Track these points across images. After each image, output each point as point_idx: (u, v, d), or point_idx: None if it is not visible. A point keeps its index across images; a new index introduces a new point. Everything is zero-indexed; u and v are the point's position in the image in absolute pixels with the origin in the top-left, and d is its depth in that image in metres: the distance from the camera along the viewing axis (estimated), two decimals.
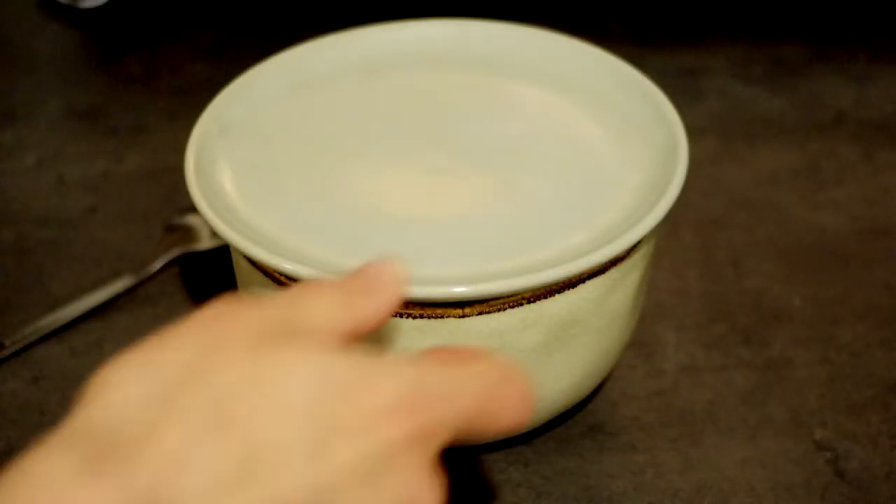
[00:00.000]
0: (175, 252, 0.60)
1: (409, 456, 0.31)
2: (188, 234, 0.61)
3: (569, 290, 0.43)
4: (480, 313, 0.42)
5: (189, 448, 0.29)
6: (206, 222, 0.45)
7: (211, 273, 0.60)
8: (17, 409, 0.53)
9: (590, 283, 0.44)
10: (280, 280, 0.44)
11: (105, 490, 0.28)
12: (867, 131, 0.71)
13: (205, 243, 0.61)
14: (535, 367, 0.45)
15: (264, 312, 0.33)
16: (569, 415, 0.51)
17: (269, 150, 0.49)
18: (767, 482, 0.48)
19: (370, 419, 0.31)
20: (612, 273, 0.44)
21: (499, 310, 0.42)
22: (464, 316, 0.42)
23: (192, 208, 0.59)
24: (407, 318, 0.42)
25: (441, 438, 0.32)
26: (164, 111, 0.74)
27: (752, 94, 0.74)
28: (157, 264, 0.60)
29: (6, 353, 0.55)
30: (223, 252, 0.53)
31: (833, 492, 0.48)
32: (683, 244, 0.62)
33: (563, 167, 0.48)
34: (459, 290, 0.41)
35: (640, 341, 0.55)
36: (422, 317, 0.42)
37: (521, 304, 0.43)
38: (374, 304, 0.35)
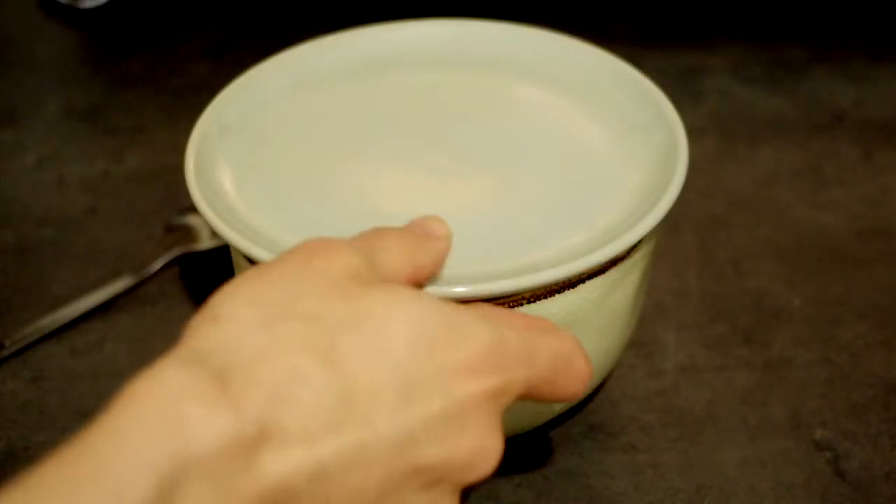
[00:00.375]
0: (175, 252, 0.60)
1: (482, 410, 0.33)
2: (188, 234, 0.61)
3: (569, 290, 0.43)
4: None
5: (294, 382, 0.31)
6: (206, 222, 0.45)
7: (211, 273, 0.60)
8: (17, 409, 0.53)
9: (590, 283, 0.44)
10: None
11: (219, 413, 0.30)
12: (867, 131, 0.71)
13: (205, 243, 0.61)
14: None
15: (355, 252, 0.35)
16: (569, 415, 0.51)
17: (269, 150, 0.49)
18: (767, 482, 0.48)
19: (454, 373, 0.33)
20: (612, 273, 0.44)
21: None
22: None
23: (192, 208, 0.60)
24: None
25: (511, 397, 0.35)
26: (164, 111, 0.74)
27: (752, 94, 0.74)
28: (157, 264, 0.60)
29: (6, 353, 0.55)
30: (223, 252, 0.53)
31: (833, 492, 0.48)
32: (683, 244, 0.62)
33: (563, 167, 0.48)
34: (459, 290, 0.41)
35: (640, 341, 0.55)
36: None
37: (521, 304, 0.43)
38: (429, 252, 0.38)
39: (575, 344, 0.37)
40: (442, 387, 0.33)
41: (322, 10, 0.83)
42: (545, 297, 0.43)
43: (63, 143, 0.71)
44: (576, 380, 0.37)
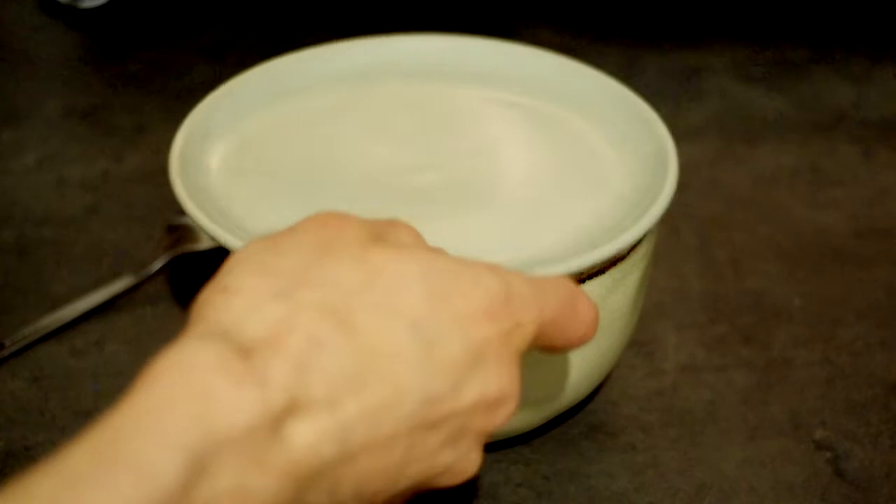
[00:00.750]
0: (175, 252, 0.60)
1: (500, 353, 0.34)
2: (188, 234, 0.61)
3: None
4: None
5: (314, 350, 0.31)
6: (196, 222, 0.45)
7: (211, 273, 0.60)
8: (17, 409, 0.52)
9: (590, 283, 0.44)
10: None
11: (246, 388, 0.30)
12: (867, 131, 0.71)
13: (205, 243, 0.61)
14: (535, 366, 0.45)
15: (365, 224, 0.35)
16: (569, 415, 0.51)
17: (255, 153, 0.49)
18: (767, 482, 0.48)
19: (468, 321, 0.34)
20: (612, 273, 0.44)
21: None
22: None
23: None
24: None
25: (524, 340, 0.35)
26: (164, 111, 0.73)
27: (752, 94, 0.74)
28: (157, 264, 0.59)
29: (6, 353, 0.55)
30: (223, 252, 0.53)
31: (833, 492, 0.48)
32: (683, 244, 0.62)
33: (556, 175, 0.48)
34: None
35: (640, 341, 0.55)
36: None
37: None
38: None
39: (578, 290, 0.38)
40: (459, 336, 0.33)
41: (322, 13, 0.82)
42: None
43: (63, 143, 0.71)
44: (583, 322, 0.37)
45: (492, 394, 0.34)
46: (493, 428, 0.35)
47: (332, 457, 0.31)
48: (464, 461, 0.35)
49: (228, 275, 0.33)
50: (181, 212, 0.62)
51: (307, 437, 0.31)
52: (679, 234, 0.62)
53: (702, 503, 0.48)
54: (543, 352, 0.38)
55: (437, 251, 0.35)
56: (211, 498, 0.29)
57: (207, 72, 0.77)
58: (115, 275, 0.59)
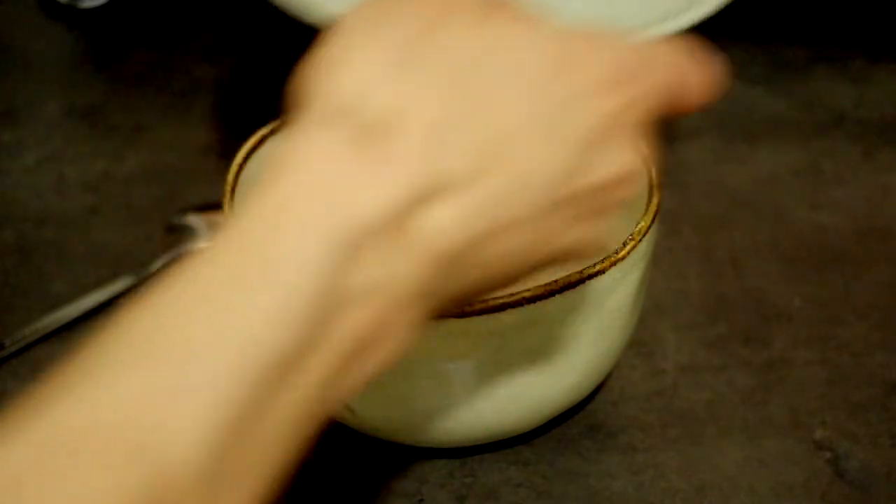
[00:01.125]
0: (175, 252, 0.60)
1: (621, 125, 0.33)
2: (188, 234, 0.61)
3: (569, 290, 0.43)
4: (480, 312, 0.42)
5: (439, 133, 0.30)
6: None
7: None
8: None
9: (590, 283, 0.44)
10: None
11: (378, 179, 0.29)
12: (867, 131, 0.71)
13: (205, 244, 0.61)
14: (535, 367, 0.45)
15: None
16: (569, 415, 0.51)
17: None
18: (767, 482, 0.48)
19: (589, 94, 0.32)
20: (612, 273, 0.44)
21: (499, 309, 0.42)
22: (463, 315, 0.42)
23: (193, 208, 0.59)
24: None
25: (645, 109, 0.34)
26: (164, 111, 0.74)
27: (752, 94, 0.74)
28: (157, 264, 0.59)
29: (6, 353, 0.55)
30: None
31: (833, 492, 0.48)
32: (683, 244, 0.62)
33: None
34: None
35: (640, 341, 0.55)
36: None
37: (522, 305, 0.43)
38: None
39: (692, 50, 0.36)
40: (582, 112, 0.32)
41: None
42: (545, 298, 0.43)
43: (63, 143, 0.71)
44: (703, 78, 0.36)
45: (616, 171, 0.33)
46: (618, 205, 0.34)
47: (463, 242, 0.30)
48: (589, 239, 0.34)
49: (335, 45, 0.31)
50: (181, 212, 0.63)
51: (440, 223, 0.30)
52: (679, 234, 0.62)
53: (702, 503, 0.48)
54: (671, 110, 0.36)
55: (552, 22, 0.33)
56: (363, 289, 0.28)
57: (208, 72, 0.77)
58: (115, 275, 0.59)
